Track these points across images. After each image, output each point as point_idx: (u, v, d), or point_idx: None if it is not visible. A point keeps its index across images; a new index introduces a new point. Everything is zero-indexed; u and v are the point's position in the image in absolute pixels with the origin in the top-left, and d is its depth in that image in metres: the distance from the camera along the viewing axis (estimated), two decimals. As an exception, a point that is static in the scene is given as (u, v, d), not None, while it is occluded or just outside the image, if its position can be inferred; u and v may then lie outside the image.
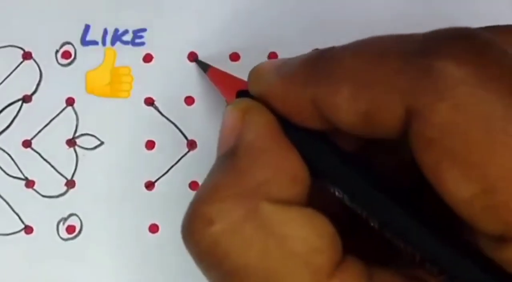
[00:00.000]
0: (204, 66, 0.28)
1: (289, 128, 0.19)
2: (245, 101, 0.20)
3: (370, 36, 0.18)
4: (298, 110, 0.19)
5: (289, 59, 0.20)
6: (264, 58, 0.29)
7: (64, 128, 0.29)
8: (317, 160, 0.19)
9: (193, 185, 0.29)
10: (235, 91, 0.22)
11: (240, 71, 0.28)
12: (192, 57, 0.29)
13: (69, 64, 0.29)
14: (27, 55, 0.29)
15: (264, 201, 0.18)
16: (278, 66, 0.20)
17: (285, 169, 0.18)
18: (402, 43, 0.17)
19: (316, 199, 0.19)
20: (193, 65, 0.29)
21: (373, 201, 0.18)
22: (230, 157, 0.19)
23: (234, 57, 0.29)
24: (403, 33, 0.18)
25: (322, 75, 0.18)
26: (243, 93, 0.21)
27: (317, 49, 0.20)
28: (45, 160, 0.29)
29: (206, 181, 0.19)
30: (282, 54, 0.29)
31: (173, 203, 0.29)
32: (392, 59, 0.17)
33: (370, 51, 0.17)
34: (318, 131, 0.19)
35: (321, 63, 0.18)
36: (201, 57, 0.29)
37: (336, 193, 0.18)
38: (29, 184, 0.29)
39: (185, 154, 0.29)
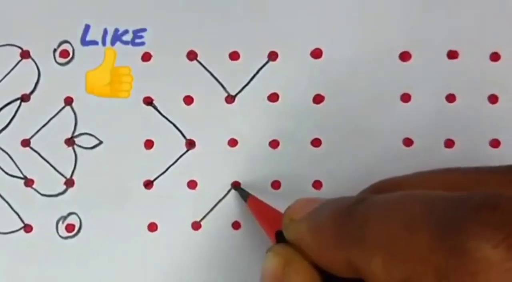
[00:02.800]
0: (244, 194, 0.28)
1: (328, 278, 0.19)
2: (284, 251, 0.20)
3: (397, 195, 0.18)
4: (334, 265, 0.19)
5: (320, 207, 0.20)
6: (263, 57, 0.29)
7: (62, 127, 0.29)
8: None
9: (191, 184, 0.29)
10: (274, 226, 0.23)
11: (246, 69, 0.29)
12: (192, 56, 0.29)
13: (67, 63, 0.29)
14: (25, 54, 0.29)
15: None
16: (309, 215, 0.20)
17: None
18: (431, 214, 0.17)
19: None
20: (192, 64, 0.29)
21: None
22: None
23: (234, 56, 0.29)
24: (430, 195, 0.17)
25: (354, 237, 0.18)
26: (281, 234, 0.22)
27: (342, 198, 0.20)
28: (44, 159, 0.29)
29: None
30: (282, 54, 0.29)
31: (171, 202, 0.29)
32: (422, 233, 0.16)
33: (399, 220, 0.17)
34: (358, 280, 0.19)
35: (351, 225, 0.18)
36: (201, 57, 0.29)
37: None
38: (28, 183, 0.29)
39: (184, 153, 0.29)
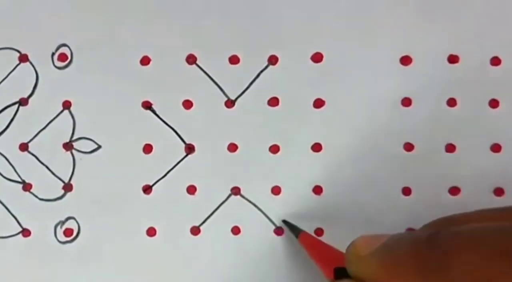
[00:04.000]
0: (294, 230, 0.28)
1: None
2: None
3: (483, 226, 0.18)
4: None
5: (391, 241, 0.20)
6: (263, 61, 0.29)
7: (61, 131, 0.29)
8: None
9: (190, 189, 0.29)
10: (330, 263, 0.23)
11: (246, 73, 0.29)
12: (191, 60, 0.29)
13: (66, 66, 0.29)
14: (23, 58, 0.29)
15: None
16: (380, 250, 0.19)
17: None
18: (506, 240, 0.17)
19: None
20: (191, 68, 0.29)
21: None
22: None
23: (234, 60, 0.29)
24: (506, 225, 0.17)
25: (437, 269, 0.18)
26: (341, 271, 0.22)
27: (414, 231, 0.20)
28: (42, 163, 0.29)
29: None
30: (282, 58, 0.29)
31: (170, 207, 0.29)
32: (504, 256, 0.16)
33: (490, 246, 0.17)
34: None
35: (434, 255, 0.18)
36: (200, 60, 0.29)
37: None
38: (26, 187, 0.29)
39: (183, 158, 0.29)
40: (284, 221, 0.29)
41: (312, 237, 0.27)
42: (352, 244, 0.21)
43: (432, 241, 0.18)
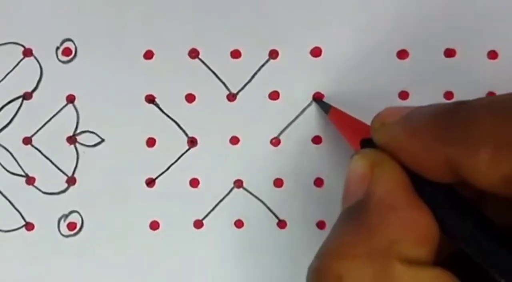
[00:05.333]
0: (325, 107, 0.28)
1: (417, 181, 0.19)
2: (373, 153, 0.20)
3: (507, 93, 0.18)
4: (429, 167, 0.18)
5: (416, 109, 0.20)
6: (264, 55, 0.29)
7: (64, 125, 0.29)
8: (446, 217, 0.19)
9: (193, 182, 0.29)
10: (358, 136, 0.22)
11: (247, 68, 0.29)
12: (194, 54, 0.29)
13: (70, 61, 0.29)
14: (27, 52, 0.29)
15: (395, 261, 0.18)
16: (404, 117, 0.19)
17: (417, 228, 0.18)
18: None
19: (443, 254, 0.19)
20: (194, 62, 0.29)
21: (500, 258, 0.18)
22: (360, 212, 0.19)
23: (235, 54, 0.29)
24: None
25: (458, 134, 0.17)
26: (367, 142, 0.21)
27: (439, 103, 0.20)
28: (45, 156, 0.29)
29: (335, 233, 0.19)
30: (282, 52, 0.29)
31: (173, 200, 0.29)
32: None
33: (510, 113, 0.17)
34: (446, 184, 0.19)
35: (456, 120, 0.18)
36: (202, 54, 0.29)
37: (466, 250, 0.18)
38: (30, 180, 0.29)
39: (186, 151, 0.29)
40: (315, 100, 0.28)
41: (342, 112, 0.27)
42: (377, 115, 0.21)
43: (455, 109, 0.18)
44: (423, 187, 0.19)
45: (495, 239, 0.18)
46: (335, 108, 0.27)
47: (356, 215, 0.19)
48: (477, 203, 0.19)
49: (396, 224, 0.18)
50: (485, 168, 0.17)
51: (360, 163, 0.20)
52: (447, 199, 0.19)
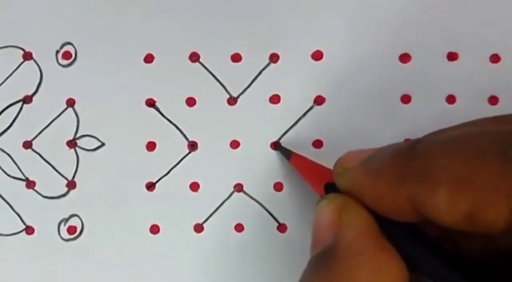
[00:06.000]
0: (286, 153, 0.28)
1: (383, 222, 0.19)
2: (339, 198, 0.20)
3: (457, 130, 0.18)
4: (393, 208, 0.19)
5: (376, 152, 0.20)
6: (265, 59, 0.29)
7: (64, 129, 0.29)
8: (413, 255, 0.19)
9: (193, 186, 0.29)
10: (322, 181, 0.23)
11: (248, 71, 0.29)
12: (194, 58, 0.29)
13: (70, 64, 0.29)
14: (27, 56, 0.29)
15: None
16: (365, 161, 0.20)
17: (387, 271, 0.18)
18: (500, 143, 0.17)
19: None
20: (194, 66, 0.29)
21: None
22: (329, 258, 0.19)
23: (236, 58, 0.29)
24: (495, 129, 0.18)
25: (416, 172, 0.18)
26: (331, 186, 0.22)
27: (398, 143, 0.20)
28: (46, 160, 0.29)
29: (305, 281, 0.20)
30: (283, 55, 0.29)
31: (174, 204, 0.29)
32: (491, 161, 0.16)
33: (464, 150, 0.17)
34: (411, 223, 0.19)
35: (414, 160, 0.18)
36: (203, 58, 0.29)
37: None
38: (30, 184, 0.29)
39: (186, 155, 0.29)
40: (277, 146, 0.29)
41: (304, 157, 0.27)
42: (339, 159, 0.21)
43: (412, 148, 0.18)
44: (389, 228, 0.19)
45: (463, 271, 0.18)
46: (296, 154, 0.28)
47: (326, 261, 0.19)
48: (445, 239, 0.20)
49: (365, 268, 0.18)
50: (445, 206, 0.17)
51: (326, 209, 0.20)
52: (412, 238, 0.19)
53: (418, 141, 0.19)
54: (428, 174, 0.17)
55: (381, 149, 0.20)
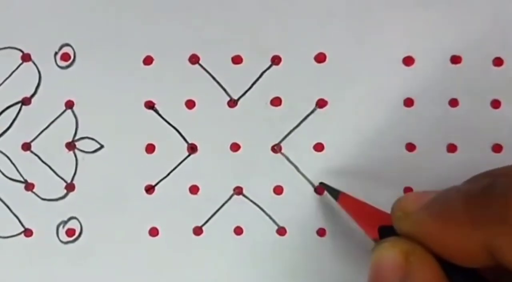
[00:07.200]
0: (334, 193, 0.27)
1: (447, 268, 0.19)
2: (404, 242, 0.20)
3: None
4: (462, 253, 0.18)
5: (440, 194, 0.19)
6: (266, 61, 0.29)
7: (63, 131, 0.29)
8: None
9: (193, 189, 0.29)
10: (373, 222, 0.23)
11: (249, 73, 0.29)
12: (194, 60, 0.29)
13: (69, 66, 0.29)
14: (26, 57, 0.29)
15: None
16: (430, 204, 0.19)
17: None
18: None
19: None
20: (194, 68, 0.29)
21: None
22: None
23: (237, 59, 0.29)
24: None
25: (495, 216, 0.17)
26: (387, 229, 0.22)
27: (474, 180, 0.20)
28: (44, 163, 0.29)
29: None
30: (285, 58, 0.29)
31: (173, 207, 0.29)
32: None
33: None
34: (474, 269, 0.19)
35: (492, 203, 0.17)
36: (203, 60, 0.29)
37: None
38: (29, 187, 0.29)
39: (186, 158, 0.29)
40: (322, 183, 0.28)
41: (353, 197, 0.26)
42: (399, 200, 0.21)
43: (488, 191, 0.18)
44: (454, 274, 0.19)
45: None
46: (345, 194, 0.27)
47: None
48: None
49: None
50: None
51: (391, 252, 0.20)
52: None
53: (493, 182, 0.18)
54: (509, 216, 0.17)
55: (446, 192, 0.19)
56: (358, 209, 0.25)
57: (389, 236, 0.21)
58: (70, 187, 0.29)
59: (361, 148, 0.29)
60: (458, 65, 0.28)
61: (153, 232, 0.29)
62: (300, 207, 0.29)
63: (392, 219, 0.21)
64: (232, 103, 0.29)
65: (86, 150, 0.29)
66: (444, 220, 0.19)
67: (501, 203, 0.17)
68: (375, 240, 0.23)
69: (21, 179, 0.29)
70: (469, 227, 0.18)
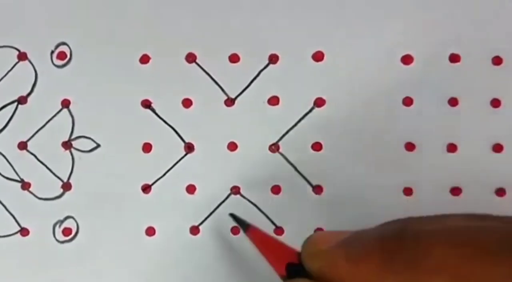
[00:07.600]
0: (242, 224, 0.27)
1: None
2: None
3: (461, 225, 0.18)
4: None
5: (355, 235, 0.20)
6: (264, 60, 0.29)
7: (60, 130, 0.29)
8: None
9: (190, 189, 0.29)
10: (281, 259, 0.22)
11: (246, 72, 0.28)
12: (191, 58, 0.29)
13: (65, 65, 0.29)
14: (22, 56, 0.29)
15: None
16: (344, 243, 0.19)
17: None
18: (487, 238, 0.17)
19: None
20: (191, 67, 0.29)
21: None
22: None
23: (234, 58, 0.29)
24: (481, 225, 0.18)
25: (409, 262, 0.17)
26: (294, 267, 0.21)
27: (387, 225, 0.20)
28: (41, 162, 0.29)
29: None
30: (283, 56, 0.29)
31: (170, 206, 0.29)
32: (486, 254, 0.17)
33: (468, 245, 0.17)
34: None
35: (404, 249, 0.18)
36: (200, 58, 0.29)
37: None
38: (25, 186, 0.29)
39: (183, 157, 0.29)
40: (231, 215, 0.28)
41: (262, 232, 0.26)
42: (310, 238, 0.21)
43: (402, 234, 0.18)
44: None
45: None
46: (254, 227, 0.26)
47: None
48: None
49: None
50: None
51: None
52: None
53: (405, 229, 0.18)
54: (422, 264, 0.17)
55: (361, 233, 0.19)
56: (266, 244, 0.25)
57: (297, 273, 0.21)
58: (66, 186, 0.29)
59: (359, 147, 0.28)
60: (457, 63, 0.28)
61: (150, 231, 0.29)
62: (298, 207, 0.29)
63: (302, 256, 0.21)
64: (230, 102, 0.29)
65: (82, 149, 0.29)
66: (358, 260, 0.18)
67: (413, 249, 0.17)
68: (282, 277, 0.22)
69: (18, 178, 0.29)
70: (381, 270, 0.18)
